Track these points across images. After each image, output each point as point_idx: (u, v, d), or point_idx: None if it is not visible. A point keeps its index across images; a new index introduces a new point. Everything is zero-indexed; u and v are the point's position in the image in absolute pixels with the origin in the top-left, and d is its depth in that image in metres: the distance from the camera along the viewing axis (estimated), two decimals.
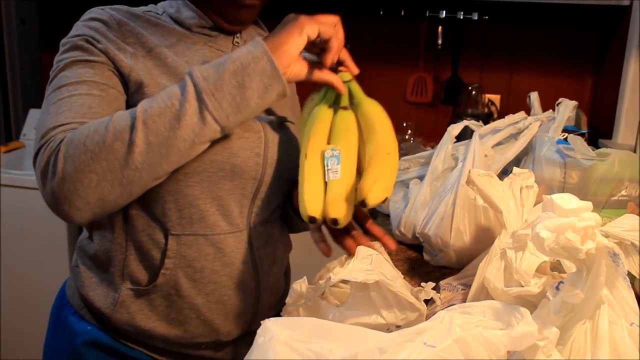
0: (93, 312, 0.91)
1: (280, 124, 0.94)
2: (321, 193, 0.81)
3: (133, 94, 0.84)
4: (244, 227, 0.90)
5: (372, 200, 0.79)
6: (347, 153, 0.83)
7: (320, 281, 0.77)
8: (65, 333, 0.93)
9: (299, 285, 0.78)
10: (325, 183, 0.82)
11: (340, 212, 0.80)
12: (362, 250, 0.80)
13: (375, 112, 0.85)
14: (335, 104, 0.86)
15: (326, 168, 0.82)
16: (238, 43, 0.93)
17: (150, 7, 0.94)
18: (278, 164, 0.91)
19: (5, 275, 1.95)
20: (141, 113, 0.73)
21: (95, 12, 0.87)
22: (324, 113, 0.85)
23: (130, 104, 0.83)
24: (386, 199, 0.82)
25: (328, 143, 0.84)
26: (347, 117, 0.85)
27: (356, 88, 0.87)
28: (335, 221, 0.80)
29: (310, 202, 0.80)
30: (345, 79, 0.85)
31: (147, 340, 0.91)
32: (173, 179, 0.82)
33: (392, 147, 0.83)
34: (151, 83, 0.83)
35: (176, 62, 0.86)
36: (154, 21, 0.89)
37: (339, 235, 0.89)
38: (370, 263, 0.78)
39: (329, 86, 0.85)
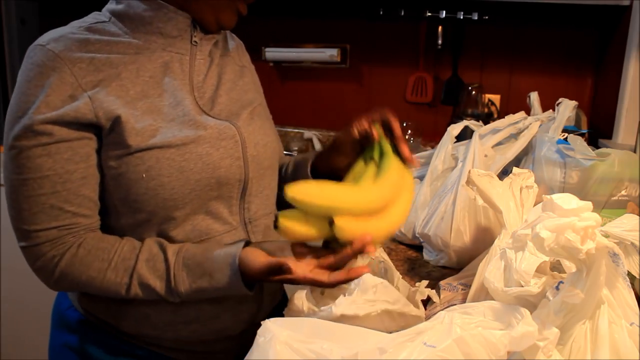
0: (97, 318, 0.91)
1: (250, 114, 0.95)
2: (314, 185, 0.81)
3: (110, 130, 0.81)
4: (238, 225, 0.91)
5: (291, 192, 0.77)
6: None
7: (322, 308, 0.75)
8: (72, 333, 0.93)
9: (300, 302, 0.77)
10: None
11: (296, 192, 0.77)
12: (367, 280, 0.78)
13: (388, 167, 0.85)
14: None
15: None
16: (196, 42, 0.89)
17: (95, 16, 0.87)
18: (258, 158, 0.92)
19: (5, 275, 1.95)
20: (132, 297, 0.84)
21: (39, 54, 0.79)
22: (358, 165, 0.89)
23: (110, 139, 0.81)
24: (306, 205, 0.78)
25: None
26: (370, 167, 0.87)
27: (384, 144, 0.88)
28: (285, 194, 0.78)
29: (297, 184, 0.79)
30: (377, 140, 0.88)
31: (156, 342, 0.91)
32: (165, 207, 0.83)
33: (368, 189, 0.83)
34: (125, 119, 0.80)
35: (138, 92, 0.82)
36: (106, 40, 0.83)
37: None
38: (374, 293, 0.76)
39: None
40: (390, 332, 0.76)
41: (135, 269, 0.82)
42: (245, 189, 0.91)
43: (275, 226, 0.80)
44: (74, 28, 0.84)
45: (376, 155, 0.87)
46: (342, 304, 0.74)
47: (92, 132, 0.81)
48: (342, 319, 0.73)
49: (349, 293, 0.76)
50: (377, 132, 0.87)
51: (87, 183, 0.82)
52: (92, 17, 0.87)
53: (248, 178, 0.90)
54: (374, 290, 0.76)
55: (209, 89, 0.91)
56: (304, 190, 0.78)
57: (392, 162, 0.86)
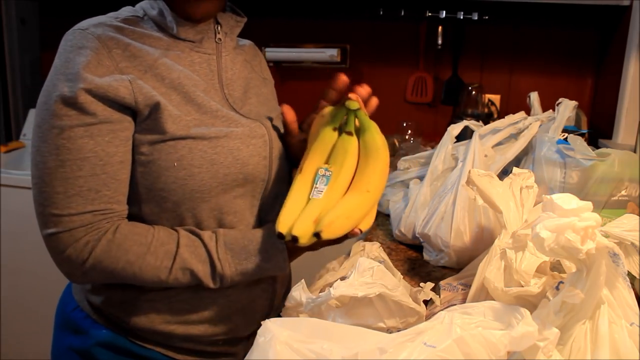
0: (107, 316, 0.91)
1: (274, 120, 0.97)
2: (299, 211, 0.80)
3: (147, 116, 0.81)
4: (256, 225, 0.92)
5: (327, 235, 0.77)
6: (337, 176, 0.83)
7: (320, 293, 0.76)
8: (77, 335, 0.93)
9: (298, 294, 0.78)
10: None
11: (303, 231, 0.77)
12: (363, 263, 0.79)
13: (375, 143, 0.85)
14: (342, 128, 0.87)
15: (314, 185, 0.82)
16: (221, 40, 0.91)
17: (130, 10, 0.90)
18: (280, 161, 0.94)
19: (6, 275, 1.95)
20: (171, 283, 0.83)
21: (78, 37, 0.81)
22: (328, 134, 0.86)
23: (145, 126, 0.82)
24: (347, 236, 0.81)
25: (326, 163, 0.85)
26: (348, 142, 0.85)
27: (363, 115, 0.87)
28: (295, 239, 0.77)
29: (284, 218, 0.78)
30: (352, 107, 0.86)
31: (165, 341, 0.91)
32: (191, 198, 0.84)
33: (374, 185, 0.83)
34: (164, 106, 0.81)
35: (174, 81, 0.84)
36: (139, 32, 0.85)
37: None
38: (371, 276, 0.77)
39: (339, 106, 0.87)
40: (388, 329, 0.77)
41: (177, 253, 0.82)
42: (266, 189, 0.92)
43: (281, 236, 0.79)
44: (110, 18, 0.86)
45: (350, 127, 0.86)
46: (340, 286, 0.74)
47: (130, 116, 0.82)
48: (341, 301, 0.74)
49: (346, 277, 0.77)
50: (349, 101, 0.86)
51: (124, 168, 0.82)
52: (127, 11, 0.89)
53: (270, 178, 0.92)
54: (370, 272, 0.77)
55: (237, 89, 0.93)
56: (333, 225, 0.78)
57: (375, 139, 0.85)
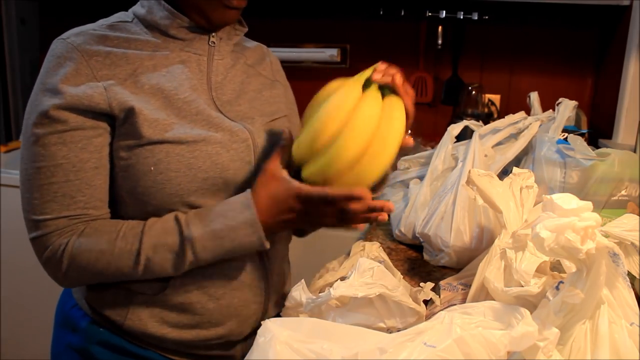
0: (103, 316, 0.91)
1: (268, 124, 0.95)
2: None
3: (123, 121, 0.82)
4: None
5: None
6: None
7: (320, 294, 0.76)
8: (76, 333, 0.93)
9: (298, 294, 0.78)
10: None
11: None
12: (363, 263, 0.79)
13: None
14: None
15: None
16: (214, 43, 0.91)
17: (121, 15, 0.90)
18: None
19: (6, 275, 1.95)
20: (143, 264, 0.82)
21: (59, 47, 0.83)
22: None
23: (123, 130, 0.82)
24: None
25: None
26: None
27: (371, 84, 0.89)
28: None
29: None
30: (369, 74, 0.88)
31: (159, 343, 0.91)
32: (170, 202, 0.84)
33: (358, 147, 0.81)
34: (139, 110, 0.81)
35: (153, 86, 0.84)
36: (124, 37, 0.85)
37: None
38: (371, 276, 0.77)
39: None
40: (388, 329, 0.77)
41: (144, 231, 0.82)
42: None
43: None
44: (96, 25, 0.87)
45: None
46: (340, 287, 0.74)
47: (106, 122, 0.83)
48: (341, 301, 0.74)
49: (346, 277, 0.77)
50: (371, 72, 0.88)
51: (100, 174, 0.83)
52: (116, 17, 0.90)
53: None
54: (370, 272, 0.77)
55: (228, 92, 0.92)
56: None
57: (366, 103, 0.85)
